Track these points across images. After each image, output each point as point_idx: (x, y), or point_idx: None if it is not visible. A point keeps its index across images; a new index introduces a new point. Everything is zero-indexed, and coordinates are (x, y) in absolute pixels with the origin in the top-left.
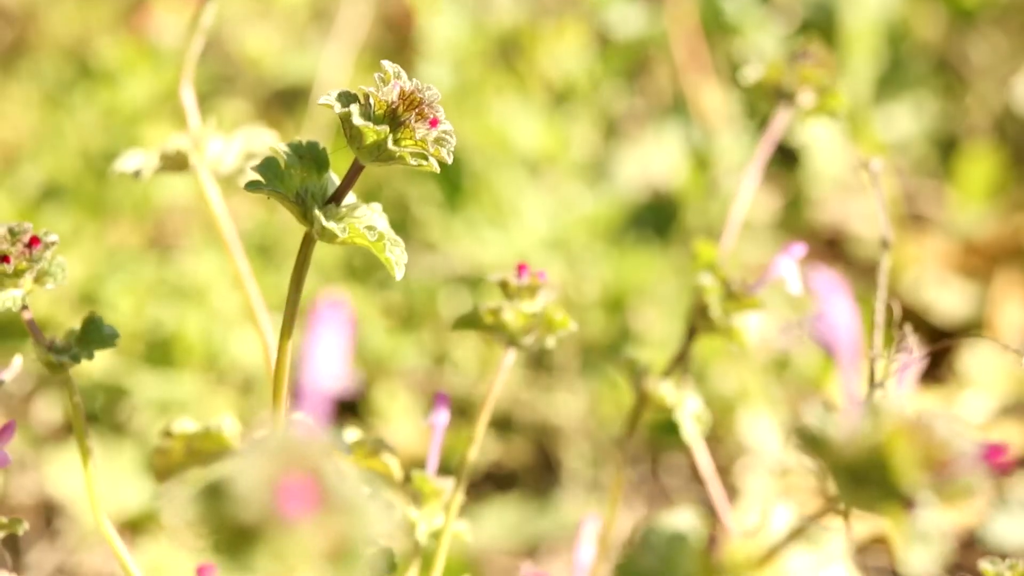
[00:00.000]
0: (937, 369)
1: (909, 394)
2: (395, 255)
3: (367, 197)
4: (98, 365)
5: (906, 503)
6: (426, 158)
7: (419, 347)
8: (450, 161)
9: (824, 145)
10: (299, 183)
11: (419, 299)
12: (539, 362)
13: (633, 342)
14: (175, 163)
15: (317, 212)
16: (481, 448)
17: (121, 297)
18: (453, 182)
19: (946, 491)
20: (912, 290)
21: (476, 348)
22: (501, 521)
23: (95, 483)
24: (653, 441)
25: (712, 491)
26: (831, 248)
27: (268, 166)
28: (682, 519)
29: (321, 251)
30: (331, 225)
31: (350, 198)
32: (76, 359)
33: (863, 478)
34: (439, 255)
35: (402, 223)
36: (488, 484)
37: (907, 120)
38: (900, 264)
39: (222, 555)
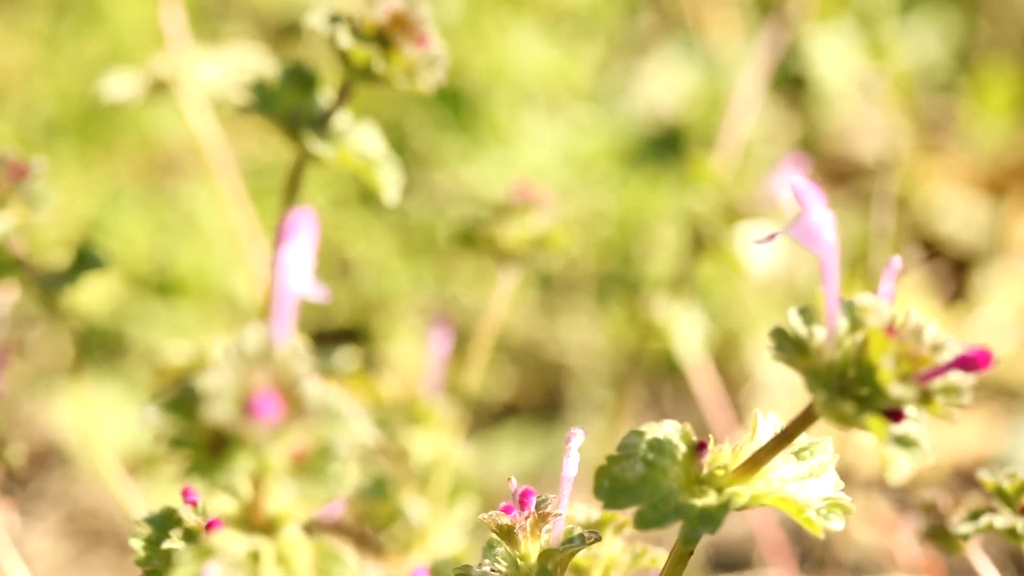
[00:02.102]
0: (953, 288)
1: (893, 300)
2: (389, 178)
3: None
4: (101, 307)
5: (887, 413)
6: (416, 79)
7: (430, 278)
8: (440, 81)
9: (836, 68)
10: (289, 105)
11: (426, 229)
12: (552, 289)
13: (640, 269)
14: (158, 86)
15: (306, 134)
16: (498, 382)
17: (126, 232)
18: (455, 108)
19: (928, 394)
20: (926, 208)
21: (489, 280)
22: (513, 450)
23: (91, 413)
24: (672, 368)
25: (707, 408)
26: (847, 182)
27: (257, 87)
28: (668, 427)
29: (332, 176)
30: (321, 147)
31: (345, 121)
32: (63, 285)
33: (842, 383)
34: (444, 186)
35: (404, 156)
36: (506, 417)
37: (928, 35)
38: (915, 182)
39: (194, 465)
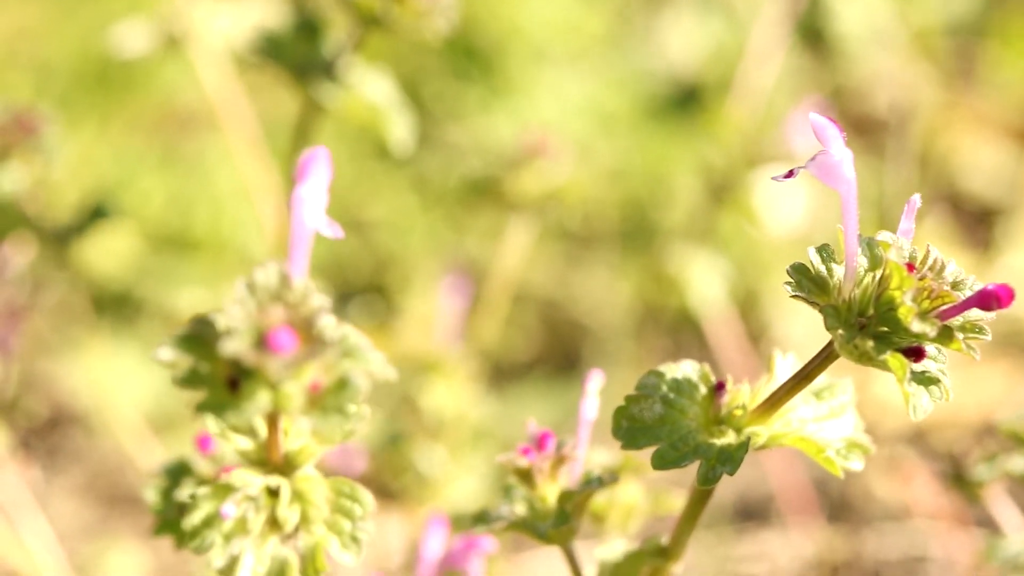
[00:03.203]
0: (976, 238)
1: (912, 237)
2: (398, 125)
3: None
4: (120, 267)
5: (908, 351)
6: (426, 25)
7: (449, 233)
8: (451, 26)
9: (858, 20)
10: (299, 54)
11: (444, 184)
12: (576, 245)
13: (659, 222)
14: (171, 40)
15: (314, 81)
16: (521, 337)
17: (144, 188)
18: (471, 64)
19: (949, 331)
20: (949, 159)
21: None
22: (536, 404)
23: (108, 372)
24: (695, 320)
25: (727, 357)
26: (870, 137)
27: (267, 38)
28: (687, 368)
29: (350, 131)
30: (328, 95)
31: (355, 71)
32: (72, 239)
33: (862, 321)
34: (462, 141)
35: (422, 113)
36: (529, 371)
37: None
38: (938, 133)
39: (209, 402)
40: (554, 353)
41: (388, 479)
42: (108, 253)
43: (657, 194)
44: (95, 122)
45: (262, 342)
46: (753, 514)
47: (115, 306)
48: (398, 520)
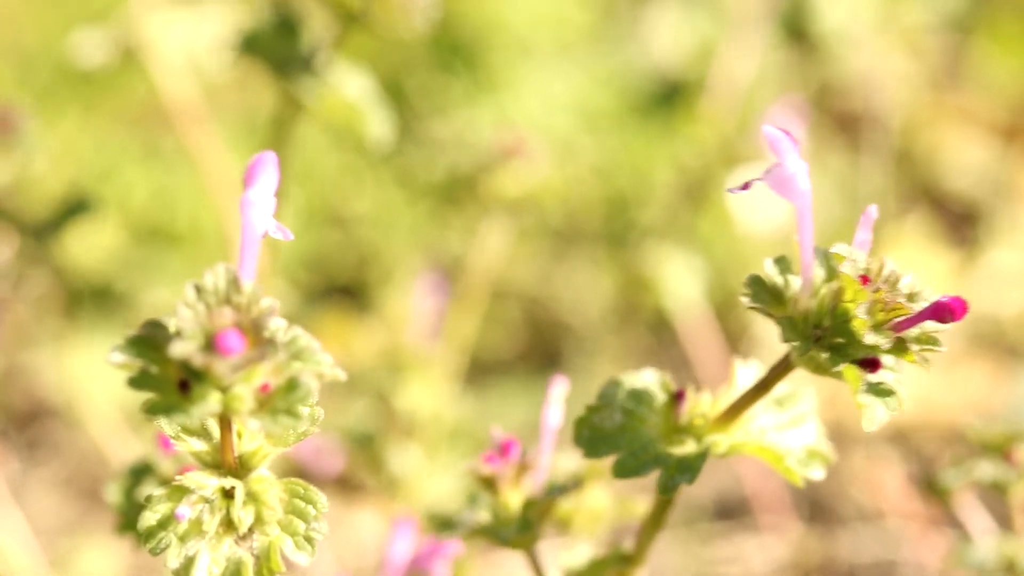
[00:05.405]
0: (961, 237)
1: (869, 249)
2: (375, 120)
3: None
4: (102, 262)
5: (864, 362)
6: (406, 23)
7: (431, 230)
8: (433, 23)
9: (843, 19)
10: (280, 51)
11: (428, 182)
12: (561, 243)
13: (638, 222)
14: (128, 52)
15: (292, 77)
16: (504, 336)
17: (127, 181)
18: (456, 61)
19: (903, 343)
20: (932, 157)
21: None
22: (519, 402)
23: (86, 365)
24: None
25: (701, 359)
26: (854, 136)
27: (247, 34)
28: (647, 377)
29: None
30: (307, 91)
31: (335, 70)
32: (52, 233)
33: (818, 332)
34: (446, 140)
35: (407, 111)
36: (514, 369)
37: None
38: (922, 131)
39: (159, 404)
40: (537, 351)
41: (363, 477)
42: (91, 246)
43: (641, 192)
44: (78, 113)
45: (211, 344)
46: (732, 515)
47: (97, 299)
48: (372, 518)
